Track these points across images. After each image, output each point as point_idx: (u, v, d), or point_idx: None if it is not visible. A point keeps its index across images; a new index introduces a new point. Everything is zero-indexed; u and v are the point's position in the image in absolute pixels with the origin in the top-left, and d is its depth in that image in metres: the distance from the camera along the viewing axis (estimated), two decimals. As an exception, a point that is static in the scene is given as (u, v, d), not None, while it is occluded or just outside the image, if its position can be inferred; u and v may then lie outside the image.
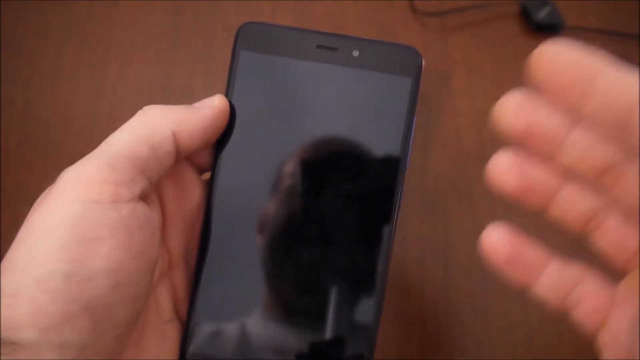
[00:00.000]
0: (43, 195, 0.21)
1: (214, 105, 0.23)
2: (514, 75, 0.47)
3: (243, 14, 0.49)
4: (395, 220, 0.22)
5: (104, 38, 0.48)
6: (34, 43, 0.48)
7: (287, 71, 0.22)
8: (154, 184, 0.21)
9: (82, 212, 0.19)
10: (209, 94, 0.47)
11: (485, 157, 0.25)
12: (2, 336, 0.17)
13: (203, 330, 0.21)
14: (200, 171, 0.24)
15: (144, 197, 0.21)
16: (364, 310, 0.21)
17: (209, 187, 0.23)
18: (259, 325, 0.21)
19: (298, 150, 0.22)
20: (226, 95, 0.23)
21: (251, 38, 0.23)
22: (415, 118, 0.21)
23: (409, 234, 0.41)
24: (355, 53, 0.22)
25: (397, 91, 0.21)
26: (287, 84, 0.22)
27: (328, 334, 0.21)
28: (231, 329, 0.21)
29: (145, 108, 0.22)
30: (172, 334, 0.22)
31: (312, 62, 0.22)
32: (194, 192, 0.23)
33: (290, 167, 0.22)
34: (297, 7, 0.49)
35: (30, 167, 0.44)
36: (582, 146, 0.15)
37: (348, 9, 0.49)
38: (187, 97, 0.46)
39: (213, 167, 0.23)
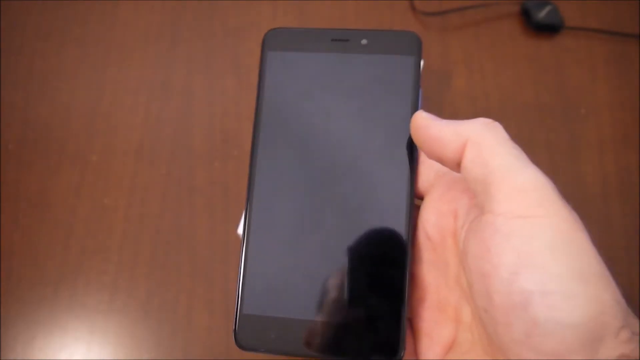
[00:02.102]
0: None
1: None
2: (514, 75, 0.47)
3: (243, 14, 0.49)
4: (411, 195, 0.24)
5: (104, 38, 0.48)
6: (34, 43, 0.48)
7: (310, 63, 0.25)
8: None
9: None
10: (209, 94, 0.47)
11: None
12: None
13: (256, 289, 0.23)
14: None
15: None
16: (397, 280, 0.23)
17: (250, 178, 0.25)
18: (306, 283, 0.23)
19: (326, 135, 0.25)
20: (258, 91, 0.25)
21: (275, 40, 0.26)
22: (421, 90, 0.25)
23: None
24: (364, 41, 0.25)
25: (403, 68, 0.25)
26: (311, 73, 0.25)
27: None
28: (284, 286, 0.23)
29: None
30: None
31: (330, 53, 0.25)
32: None
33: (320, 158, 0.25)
34: (297, 7, 0.49)
35: (30, 167, 0.44)
36: None
37: (348, 9, 0.49)
38: (186, 97, 0.46)
39: (253, 145, 0.25)
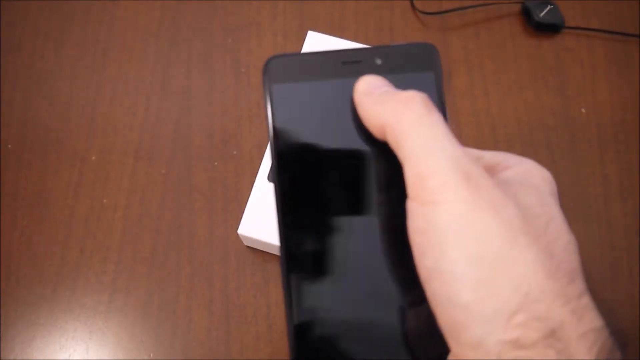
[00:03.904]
0: None
1: None
2: (514, 75, 0.47)
3: (242, 14, 0.49)
4: None
5: (103, 38, 0.48)
6: (33, 43, 0.48)
7: (320, 93, 0.23)
8: None
9: None
10: (209, 94, 0.47)
11: (485, 157, 0.24)
12: None
13: (307, 333, 0.22)
14: None
15: None
16: None
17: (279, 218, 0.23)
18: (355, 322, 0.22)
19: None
20: (269, 130, 0.23)
21: (278, 71, 0.23)
22: (446, 107, 0.23)
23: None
24: (378, 61, 0.23)
25: (424, 86, 0.22)
26: (322, 104, 0.23)
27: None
28: (333, 325, 0.22)
29: None
30: None
31: (341, 78, 0.23)
32: None
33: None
34: (297, 7, 0.49)
35: (29, 166, 0.44)
36: None
37: (348, 9, 0.49)
38: (186, 97, 0.46)
39: (276, 188, 0.23)
